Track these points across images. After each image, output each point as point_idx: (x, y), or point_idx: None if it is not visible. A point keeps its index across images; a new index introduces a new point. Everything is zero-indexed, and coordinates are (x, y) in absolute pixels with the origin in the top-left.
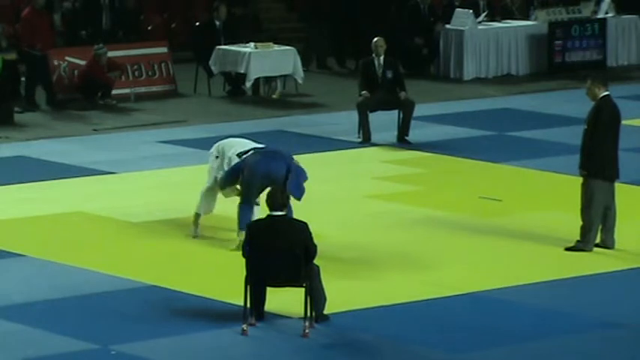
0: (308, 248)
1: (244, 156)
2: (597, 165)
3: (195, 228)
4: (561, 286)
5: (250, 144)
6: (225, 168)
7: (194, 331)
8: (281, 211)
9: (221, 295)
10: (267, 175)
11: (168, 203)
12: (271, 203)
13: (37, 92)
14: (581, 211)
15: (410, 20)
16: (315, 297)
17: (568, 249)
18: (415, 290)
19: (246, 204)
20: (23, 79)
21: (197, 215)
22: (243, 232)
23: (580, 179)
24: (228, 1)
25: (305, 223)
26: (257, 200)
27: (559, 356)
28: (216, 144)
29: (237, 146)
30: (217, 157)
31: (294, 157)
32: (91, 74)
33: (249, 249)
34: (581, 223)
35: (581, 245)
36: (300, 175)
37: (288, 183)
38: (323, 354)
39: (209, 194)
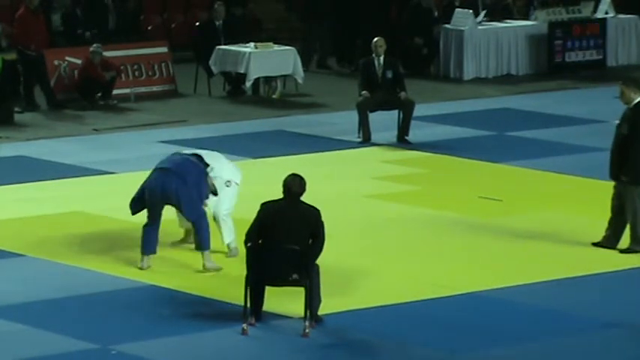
0: (317, 235)
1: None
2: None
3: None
4: (561, 286)
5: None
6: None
7: (194, 331)
8: (296, 199)
9: (221, 295)
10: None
11: None
12: (288, 190)
13: (37, 92)
14: (631, 222)
15: (410, 20)
16: (313, 298)
17: (623, 251)
18: (415, 290)
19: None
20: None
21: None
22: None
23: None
24: (228, 1)
25: (317, 210)
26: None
27: (559, 356)
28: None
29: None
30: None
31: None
32: (86, 72)
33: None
34: (630, 232)
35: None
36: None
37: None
38: (323, 354)
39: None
